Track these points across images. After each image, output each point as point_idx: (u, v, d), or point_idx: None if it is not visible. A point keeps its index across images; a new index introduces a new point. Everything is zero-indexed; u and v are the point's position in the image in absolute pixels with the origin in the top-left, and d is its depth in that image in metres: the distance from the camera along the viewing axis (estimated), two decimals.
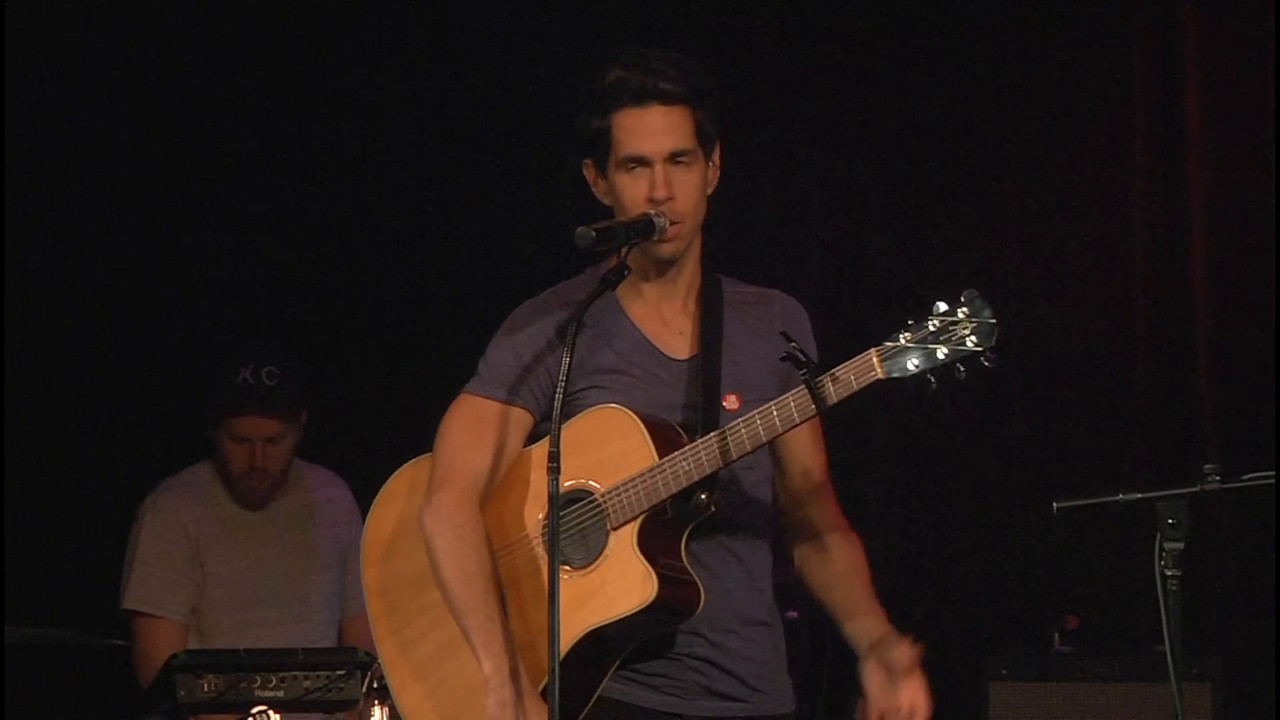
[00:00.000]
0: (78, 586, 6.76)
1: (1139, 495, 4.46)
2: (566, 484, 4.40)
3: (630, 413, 4.41)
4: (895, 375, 4.22)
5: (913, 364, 4.21)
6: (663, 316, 4.56)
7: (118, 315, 7.13)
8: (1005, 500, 7.01)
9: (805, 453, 4.58)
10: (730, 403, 4.48)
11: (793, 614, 4.72)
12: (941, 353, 4.20)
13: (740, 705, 4.52)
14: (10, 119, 6.94)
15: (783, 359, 4.29)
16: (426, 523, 4.48)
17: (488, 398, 4.51)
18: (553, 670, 4.18)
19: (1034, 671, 6.40)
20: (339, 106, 7.30)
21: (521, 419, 4.51)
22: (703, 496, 4.40)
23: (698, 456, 4.35)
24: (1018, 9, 7.05)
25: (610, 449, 4.41)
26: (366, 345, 7.29)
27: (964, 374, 4.20)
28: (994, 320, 4.18)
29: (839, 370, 4.26)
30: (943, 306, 4.21)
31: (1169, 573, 4.38)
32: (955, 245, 7.09)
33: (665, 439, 4.40)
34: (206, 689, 5.61)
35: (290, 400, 6.43)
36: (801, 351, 4.27)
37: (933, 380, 4.21)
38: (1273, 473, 4.44)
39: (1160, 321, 6.93)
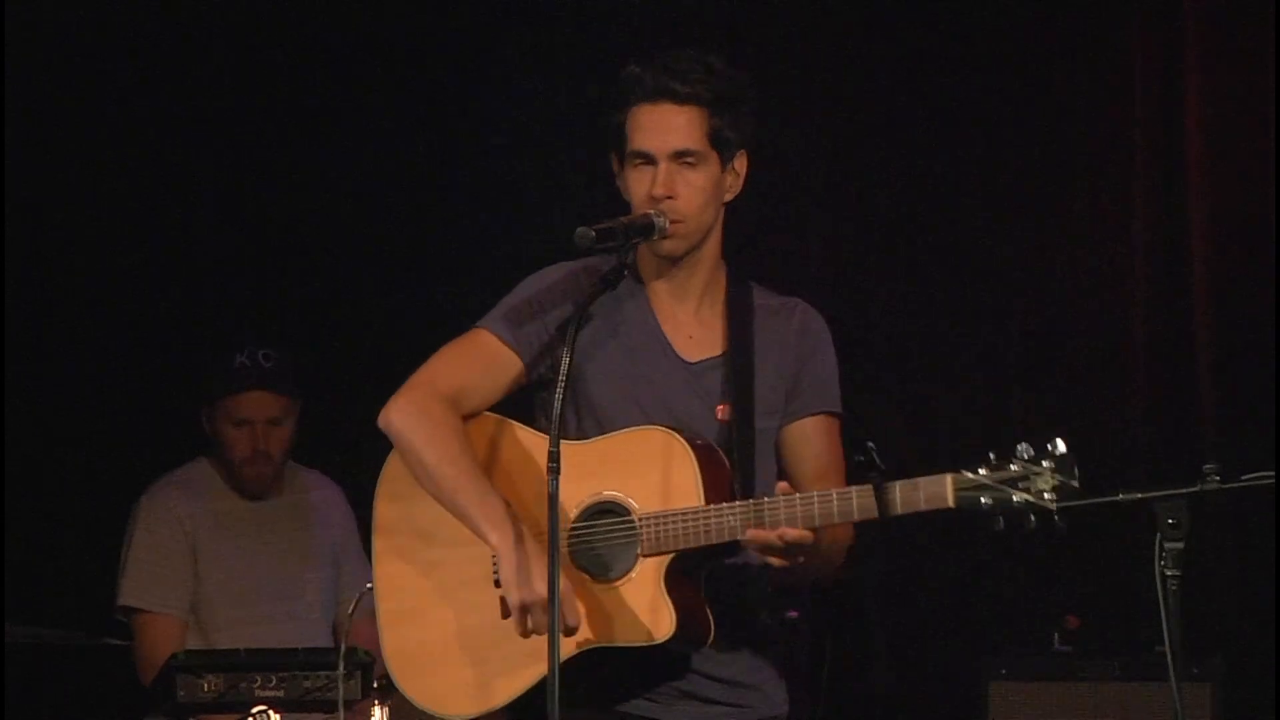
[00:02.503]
0: (78, 586, 6.76)
1: (1139, 495, 4.45)
2: (606, 494, 4.40)
3: (686, 444, 4.36)
4: (965, 508, 4.17)
5: (985, 501, 4.16)
6: (676, 317, 4.56)
7: (116, 315, 7.13)
8: None
9: (817, 463, 4.52)
10: (722, 413, 4.48)
11: (793, 614, 4.70)
12: (1018, 499, 4.14)
13: (722, 709, 4.51)
14: (9, 117, 6.94)
15: (860, 460, 4.27)
16: (395, 419, 4.45)
17: (490, 331, 4.51)
18: (552, 669, 4.17)
19: (1034, 671, 6.40)
20: (333, 107, 7.30)
21: (514, 364, 4.49)
22: (738, 553, 4.38)
23: (747, 518, 4.29)
24: (1019, 12, 7.04)
25: (658, 474, 4.37)
26: (360, 347, 7.28)
27: (1034, 524, 4.15)
28: (1077, 483, 4.13)
29: (909, 484, 4.19)
30: (1029, 451, 4.15)
31: (1169, 573, 4.37)
32: (956, 246, 7.09)
33: (713, 478, 4.36)
34: (206, 689, 5.61)
35: (289, 379, 6.45)
36: (876, 455, 4.23)
37: (1001, 521, 4.16)
38: (1273, 473, 4.43)
39: (1160, 321, 6.93)
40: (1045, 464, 4.15)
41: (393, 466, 4.60)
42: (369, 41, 7.31)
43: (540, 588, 4.27)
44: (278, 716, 5.56)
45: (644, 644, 4.34)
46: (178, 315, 7.18)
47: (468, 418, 4.50)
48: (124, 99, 7.13)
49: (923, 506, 4.19)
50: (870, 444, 4.21)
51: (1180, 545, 4.38)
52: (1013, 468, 4.15)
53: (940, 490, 4.17)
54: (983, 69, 7.08)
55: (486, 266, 7.15)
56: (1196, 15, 6.88)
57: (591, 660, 4.38)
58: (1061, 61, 7.04)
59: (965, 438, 7.00)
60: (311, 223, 7.29)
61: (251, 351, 6.42)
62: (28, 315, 7.00)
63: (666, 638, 4.33)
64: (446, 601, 4.50)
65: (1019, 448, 4.15)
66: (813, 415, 4.51)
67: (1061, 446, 4.15)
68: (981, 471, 4.16)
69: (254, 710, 5.56)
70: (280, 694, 5.60)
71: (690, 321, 4.56)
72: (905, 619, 7.08)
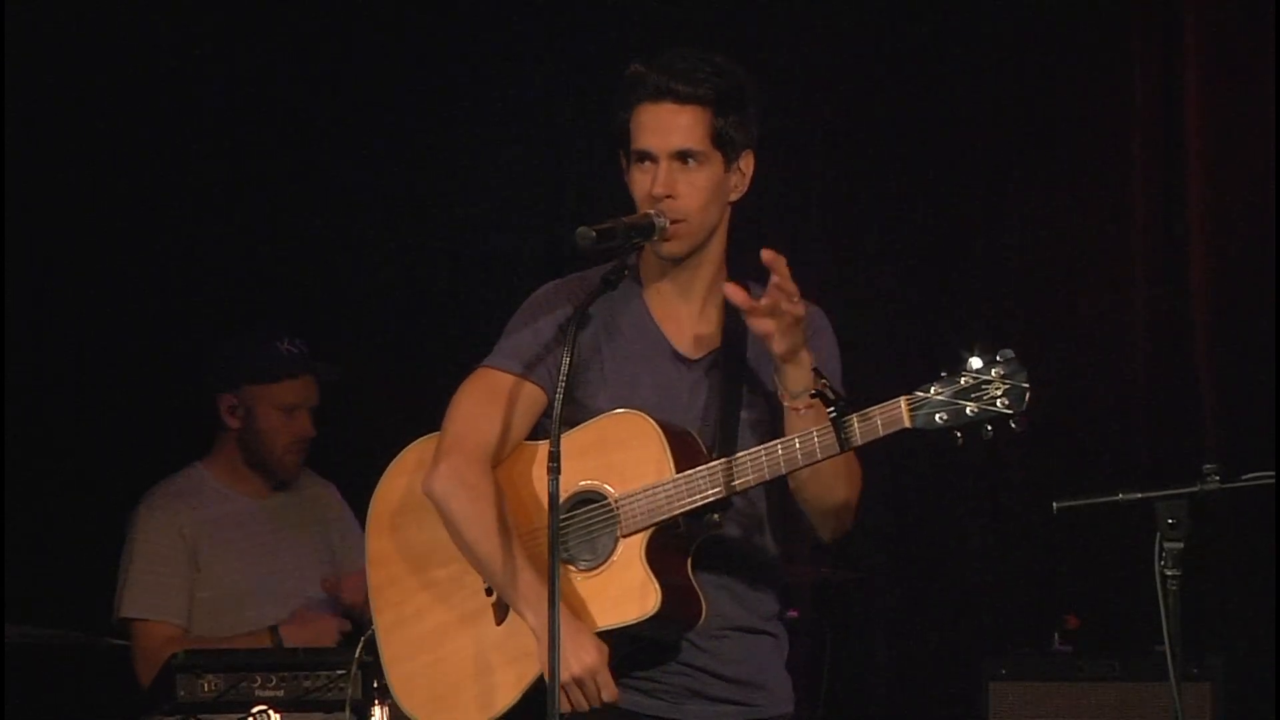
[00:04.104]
0: (78, 586, 6.75)
1: (1139, 495, 4.46)
2: (581, 484, 4.42)
3: (651, 421, 4.40)
4: (921, 427, 4.21)
5: (940, 418, 4.20)
6: (678, 316, 4.56)
7: (118, 315, 7.12)
8: (1005, 501, 7.01)
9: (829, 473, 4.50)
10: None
11: (793, 614, 4.71)
12: (970, 410, 4.19)
13: (729, 708, 4.51)
14: (10, 111, 6.93)
15: (813, 396, 4.26)
16: (436, 488, 4.47)
17: (503, 370, 4.51)
18: (552, 669, 4.18)
19: (1034, 671, 6.41)
20: (336, 105, 7.30)
21: (535, 395, 4.51)
22: (714, 516, 4.39)
23: (715, 477, 4.34)
24: (1019, 12, 7.05)
25: (629, 454, 4.40)
26: (364, 348, 7.28)
27: (991, 434, 4.19)
28: (1027, 385, 4.17)
29: (866, 414, 4.24)
30: (977, 363, 4.20)
31: (1169, 573, 4.38)
32: (955, 247, 7.09)
33: (684, 451, 4.39)
34: (206, 689, 5.61)
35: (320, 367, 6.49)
36: (831, 389, 4.25)
37: (959, 436, 4.21)
38: (1273, 473, 4.44)
39: (1160, 321, 6.93)
40: (995, 371, 4.18)
41: (380, 501, 4.64)
42: (369, 36, 7.31)
43: (576, 668, 4.31)
44: (278, 716, 5.56)
45: (634, 621, 4.34)
46: (180, 314, 7.17)
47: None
48: (126, 95, 7.13)
49: (882, 433, 4.23)
50: (824, 379, 4.21)
51: (1180, 545, 4.38)
52: (963, 381, 4.19)
53: (896, 414, 4.22)
54: (982, 69, 7.09)
55: (485, 268, 7.15)
56: (1196, 15, 6.88)
57: None
58: (1061, 61, 7.04)
59: (967, 438, 7.00)
60: (317, 224, 7.29)
61: (291, 339, 6.43)
62: (27, 314, 6.99)
63: (654, 611, 4.33)
64: (446, 622, 4.52)
65: (969, 361, 4.19)
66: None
67: (1009, 353, 4.19)
68: (934, 389, 4.20)
69: (254, 710, 5.56)
70: (280, 694, 5.60)
71: (695, 320, 4.56)
72: (905, 619, 7.08)
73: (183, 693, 5.60)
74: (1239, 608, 6.72)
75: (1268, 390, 6.64)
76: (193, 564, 6.39)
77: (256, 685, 5.61)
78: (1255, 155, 6.80)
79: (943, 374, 4.21)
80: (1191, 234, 6.89)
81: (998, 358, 4.20)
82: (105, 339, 7.11)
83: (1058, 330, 6.98)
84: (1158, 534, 4.39)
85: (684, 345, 4.54)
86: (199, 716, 5.67)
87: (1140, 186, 6.96)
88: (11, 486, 6.87)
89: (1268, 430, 6.49)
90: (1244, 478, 4.44)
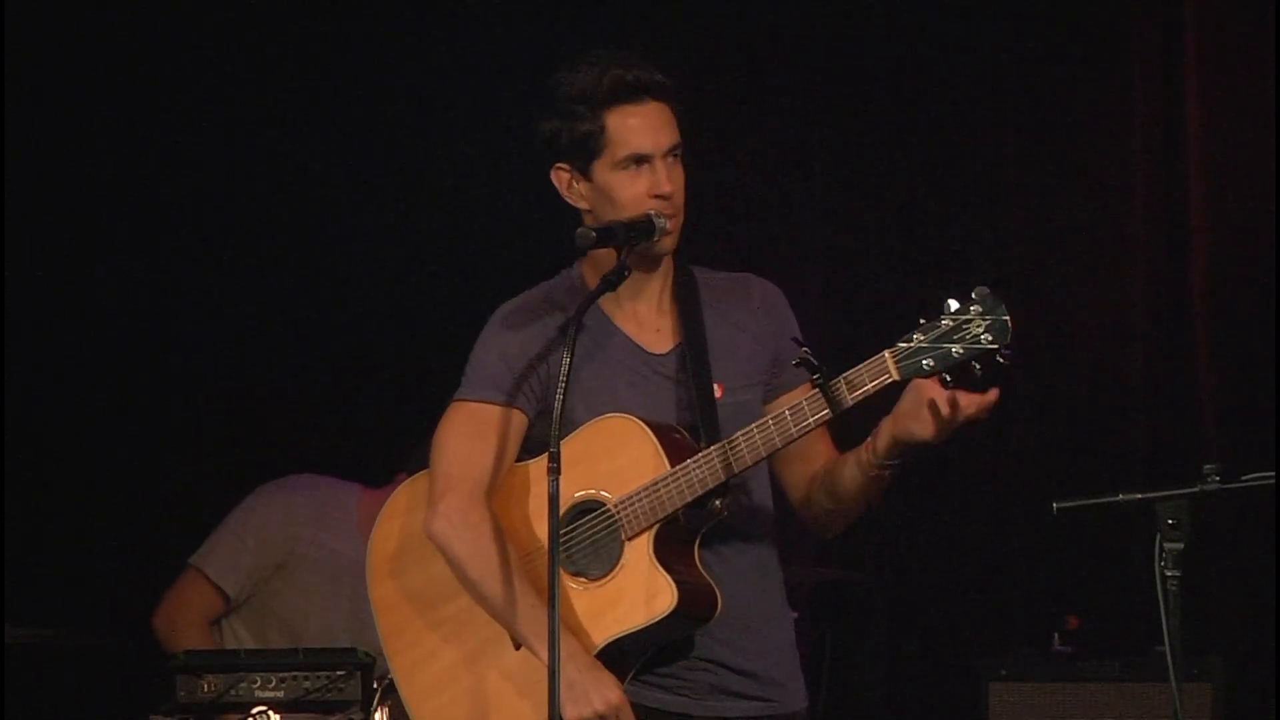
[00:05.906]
0: (78, 586, 6.76)
1: (1139, 495, 4.46)
2: (577, 495, 4.40)
3: (638, 421, 4.39)
4: (910, 377, 4.20)
5: (927, 364, 4.19)
6: (638, 316, 4.54)
7: (117, 315, 7.13)
8: (1005, 501, 7.02)
9: (811, 445, 4.51)
10: (715, 393, 4.47)
11: (793, 614, 4.71)
12: (956, 351, 4.17)
13: (751, 703, 4.51)
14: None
15: (796, 364, 4.26)
16: (437, 530, 4.44)
17: (481, 401, 4.48)
18: (552, 672, 4.18)
19: (1034, 672, 6.41)
20: (334, 105, 7.30)
21: (517, 420, 4.48)
22: (716, 503, 4.38)
23: (711, 463, 4.33)
24: (1019, 12, 7.05)
25: (620, 459, 4.39)
26: (362, 350, 7.29)
27: (980, 372, 4.18)
28: (1008, 316, 4.16)
29: (852, 373, 4.23)
30: (955, 305, 4.18)
31: (1169, 573, 4.38)
32: (955, 247, 7.09)
33: (674, 445, 4.38)
34: (206, 689, 5.60)
35: None
36: (814, 356, 4.24)
37: (948, 380, 4.19)
38: (1273, 473, 4.43)
39: (1160, 322, 6.93)
40: (973, 309, 4.18)
41: (377, 546, 4.61)
42: (366, 37, 7.32)
43: (599, 704, 4.31)
44: (278, 717, 5.56)
45: (653, 621, 4.33)
46: (174, 315, 7.18)
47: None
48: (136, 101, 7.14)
49: (871, 388, 4.22)
50: (804, 348, 4.21)
51: (1180, 545, 4.38)
52: (944, 323, 4.18)
53: (881, 367, 4.21)
54: (983, 69, 7.09)
55: (485, 269, 7.16)
56: (1196, 15, 6.88)
57: (616, 661, 4.39)
58: (1062, 61, 7.04)
59: (966, 437, 7.00)
60: (304, 225, 7.29)
61: None
62: (29, 311, 7.00)
63: (671, 608, 4.32)
64: (462, 656, 4.52)
65: (946, 303, 4.18)
66: (799, 387, 4.49)
67: (984, 289, 4.18)
68: (916, 337, 4.19)
69: (254, 710, 5.56)
70: (280, 694, 5.60)
71: (654, 317, 4.54)
72: (905, 619, 7.08)
73: (183, 693, 5.59)
74: (1239, 608, 6.72)
75: (1268, 390, 6.64)
76: (279, 570, 6.34)
77: (256, 685, 5.60)
78: (1255, 155, 6.81)
79: (921, 321, 4.20)
80: (1191, 232, 6.89)
81: (974, 295, 4.18)
82: (104, 339, 7.11)
83: (1057, 329, 6.98)
84: (1158, 534, 4.39)
85: (649, 343, 4.52)
86: (199, 716, 5.67)
87: (1140, 186, 6.96)
88: (12, 486, 6.87)
89: (1268, 430, 6.49)
90: (1244, 478, 4.43)
